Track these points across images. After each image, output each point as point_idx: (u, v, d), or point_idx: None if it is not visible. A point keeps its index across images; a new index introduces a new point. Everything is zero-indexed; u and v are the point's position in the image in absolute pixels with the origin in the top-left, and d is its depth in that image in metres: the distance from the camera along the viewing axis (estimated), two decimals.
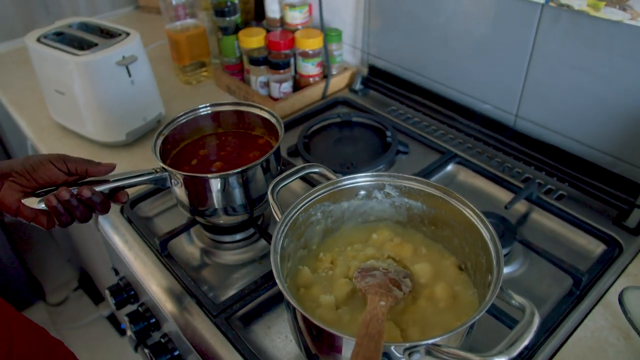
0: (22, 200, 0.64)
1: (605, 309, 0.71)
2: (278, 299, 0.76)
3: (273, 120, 0.83)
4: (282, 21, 1.23)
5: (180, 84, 1.32)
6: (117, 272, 1.01)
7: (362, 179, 0.69)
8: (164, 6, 1.24)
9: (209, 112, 0.86)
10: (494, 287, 0.52)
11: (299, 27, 1.21)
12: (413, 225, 0.72)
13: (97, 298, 2.01)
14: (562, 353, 0.67)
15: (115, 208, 0.91)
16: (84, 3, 1.64)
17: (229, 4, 1.19)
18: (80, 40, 1.04)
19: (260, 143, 0.87)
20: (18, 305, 1.95)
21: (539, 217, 0.87)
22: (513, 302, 0.53)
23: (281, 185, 0.68)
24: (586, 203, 0.88)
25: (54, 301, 2.03)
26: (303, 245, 0.69)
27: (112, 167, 0.69)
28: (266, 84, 1.19)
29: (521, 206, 0.89)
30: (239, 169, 0.73)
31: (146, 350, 0.83)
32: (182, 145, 0.86)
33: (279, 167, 0.82)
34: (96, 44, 1.00)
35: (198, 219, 0.81)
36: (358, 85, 1.23)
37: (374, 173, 0.69)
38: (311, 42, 1.15)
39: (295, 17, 1.20)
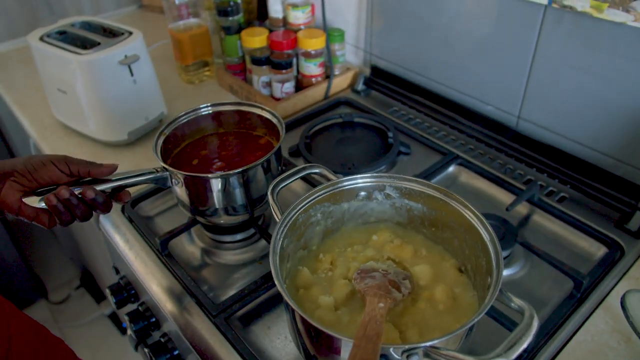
0: (23, 199, 0.64)
1: (606, 312, 0.71)
2: (278, 299, 0.76)
3: (274, 120, 0.83)
4: (284, 21, 1.23)
5: (182, 83, 1.32)
6: (117, 271, 1.01)
7: (362, 180, 0.68)
8: (167, 5, 1.24)
9: (210, 112, 0.86)
10: (493, 290, 0.52)
11: (302, 27, 1.21)
12: (413, 226, 0.71)
13: (99, 296, 2.01)
14: (562, 356, 0.66)
15: (116, 207, 0.91)
16: (88, 2, 1.65)
17: (231, 3, 1.19)
18: (83, 39, 1.04)
19: (261, 143, 0.87)
20: (20, 303, 1.97)
21: (541, 219, 0.87)
22: (512, 304, 0.53)
23: (281, 186, 0.68)
24: (588, 205, 0.88)
25: (56, 299, 2.04)
26: (303, 246, 0.68)
27: (114, 168, 0.69)
28: (268, 84, 1.19)
29: (523, 208, 0.89)
30: (240, 169, 0.73)
31: (146, 350, 0.83)
32: (183, 145, 0.86)
33: (279, 168, 0.81)
34: (99, 43, 1.00)
35: (199, 218, 0.81)
36: (360, 86, 1.23)
37: (375, 174, 0.69)
38: (313, 42, 1.15)
39: (298, 17, 1.20)
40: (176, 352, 0.84)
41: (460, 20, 1.01)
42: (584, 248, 0.82)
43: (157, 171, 0.75)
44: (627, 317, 0.64)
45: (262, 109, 0.85)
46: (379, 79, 1.23)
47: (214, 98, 1.24)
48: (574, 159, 0.92)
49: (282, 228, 0.61)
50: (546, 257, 0.76)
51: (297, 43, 1.17)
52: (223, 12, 1.19)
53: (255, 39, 1.17)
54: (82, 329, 1.94)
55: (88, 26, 1.10)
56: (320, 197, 0.67)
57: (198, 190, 0.76)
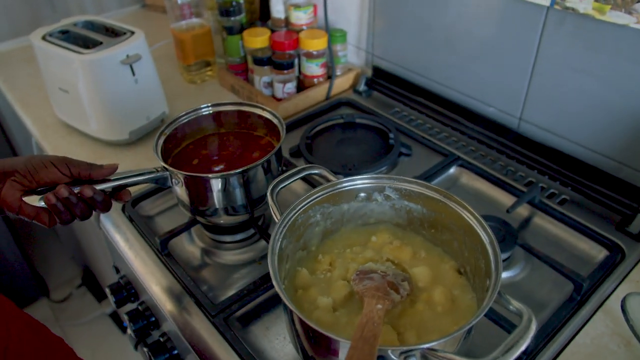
0: (23, 198, 0.64)
1: (606, 315, 0.71)
2: (277, 300, 0.76)
3: (275, 120, 0.83)
4: (286, 21, 1.23)
5: (184, 83, 1.32)
6: (118, 271, 1.01)
7: (361, 181, 0.68)
8: (170, 5, 1.24)
9: (211, 112, 0.86)
10: (492, 292, 0.52)
11: (304, 27, 1.21)
12: (413, 228, 0.71)
13: (100, 295, 2.01)
14: (561, 359, 0.66)
15: (116, 206, 0.91)
16: (91, 1, 1.65)
17: (234, 3, 1.19)
18: (85, 38, 1.04)
19: (262, 143, 0.87)
20: (22, 302, 1.97)
21: (541, 221, 0.87)
22: (511, 307, 0.52)
23: (281, 186, 0.68)
24: (589, 208, 0.88)
25: (58, 298, 2.04)
26: (302, 247, 0.68)
27: (114, 168, 0.70)
28: (270, 84, 1.19)
29: (523, 210, 0.89)
30: (240, 169, 0.73)
31: (145, 349, 0.83)
32: (184, 145, 0.86)
33: (280, 168, 0.81)
34: (101, 43, 1.01)
35: (198, 218, 0.82)
36: (362, 87, 1.23)
37: (374, 175, 0.69)
38: (315, 43, 1.15)
39: (300, 18, 1.20)
40: (175, 352, 0.84)
41: (462, 22, 1.01)
42: (585, 250, 0.82)
43: (157, 171, 0.75)
44: (627, 320, 0.63)
45: (263, 109, 0.85)
46: (381, 79, 1.23)
47: (216, 98, 1.25)
48: (576, 161, 0.92)
49: (281, 229, 0.61)
50: (546, 259, 0.76)
51: (299, 43, 1.17)
52: (225, 12, 1.19)
53: (257, 39, 1.17)
54: (83, 327, 1.95)
55: (90, 25, 1.10)
56: (319, 198, 0.67)
57: (198, 190, 0.76)
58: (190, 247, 0.86)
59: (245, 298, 0.74)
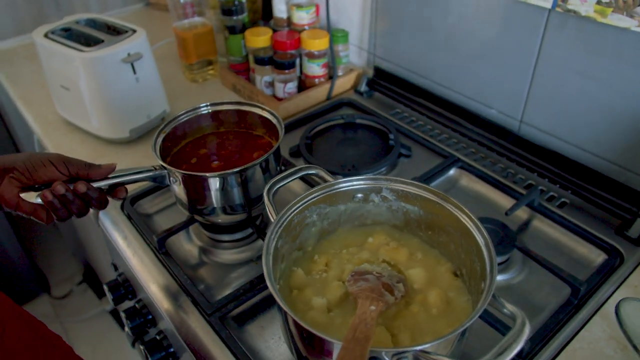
0: (21, 195, 0.65)
1: (603, 320, 0.70)
2: (273, 299, 0.74)
3: (274, 120, 0.83)
4: (289, 21, 1.23)
5: (186, 81, 1.32)
6: (116, 268, 1.01)
7: (358, 182, 0.68)
8: (172, 4, 1.24)
9: (210, 111, 0.86)
10: (486, 295, 0.52)
11: (306, 27, 1.21)
12: (410, 229, 0.71)
13: (100, 292, 2.02)
14: None
15: (115, 204, 0.91)
16: None
17: (236, 3, 1.20)
18: (87, 36, 1.05)
19: (261, 143, 0.87)
20: (23, 298, 1.98)
21: (541, 224, 0.87)
22: (505, 310, 0.52)
23: (277, 186, 0.68)
24: (588, 211, 0.87)
25: (58, 294, 2.05)
26: (298, 247, 0.68)
27: (112, 168, 0.70)
28: (271, 84, 1.19)
29: (523, 213, 0.88)
30: (238, 169, 0.73)
31: (141, 347, 0.83)
32: (183, 144, 0.87)
33: (278, 168, 0.81)
34: (102, 41, 1.01)
35: (196, 217, 0.82)
36: (363, 87, 1.23)
37: (371, 176, 0.69)
38: (317, 43, 1.15)
39: (302, 18, 1.20)
40: (171, 350, 0.84)
41: (463, 23, 1.01)
42: (583, 254, 0.82)
43: (156, 169, 0.75)
44: (620, 325, 0.63)
45: (262, 108, 0.85)
46: (382, 80, 1.23)
47: (217, 97, 1.25)
48: (576, 164, 0.91)
49: (276, 229, 0.61)
50: (544, 262, 0.76)
51: (301, 43, 1.17)
52: (227, 12, 1.19)
53: (259, 39, 1.17)
54: (84, 324, 1.96)
55: (93, 23, 1.10)
56: (316, 199, 0.67)
57: (196, 189, 0.76)
58: (188, 245, 0.87)
59: (241, 297, 0.74)
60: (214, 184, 0.74)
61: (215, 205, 0.77)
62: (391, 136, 1.04)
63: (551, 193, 0.91)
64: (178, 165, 0.81)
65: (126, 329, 0.89)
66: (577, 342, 0.68)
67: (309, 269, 0.67)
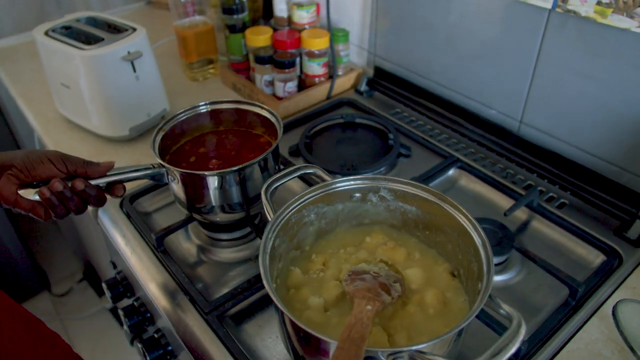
0: (19, 192, 0.65)
1: (600, 321, 0.70)
2: (270, 298, 0.75)
3: (273, 119, 0.83)
4: (289, 20, 1.23)
5: (186, 80, 1.32)
6: (115, 266, 1.02)
7: (356, 182, 0.68)
8: (173, 2, 1.24)
9: (209, 109, 0.86)
10: (482, 295, 0.52)
11: (306, 26, 1.21)
12: (407, 229, 0.71)
13: (100, 290, 2.02)
14: None
15: (114, 202, 0.92)
16: None
17: (237, 1, 1.19)
18: (87, 34, 1.05)
19: (260, 142, 0.87)
20: (23, 295, 1.98)
21: (539, 225, 0.86)
22: (501, 311, 0.52)
23: (275, 185, 0.68)
24: (588, 212, 0.87)
25: (59, 292, 2.06)
26: (296, 246, 0.68)
27: (110, 166, 0.70)
28: (271, 83, 1.19)
29: (522, 213, 0.88)
30: (236, 167, 0.73)
31: (139, 345, 0.83)
32: (182, 142, 0.87)
33: (277, 167, 0.81)
34: (102, 39, 1.01)
35: (195, 216, 0.82)
36: (363, 87, 1.22)
37: (369, 176, 0.69)
38: (317, 42, 1.15)
39: (303, 17, 1.20)
40: (169, 348, 0.84)
41: (464, 23, 1.00)
42: (582, 255, 0.81)
43: (154, 167, 0.75)
44: (617, 326, 0.63)
45: (262, 107, 0.85)
46: (382, 80, 1.23)
47: (217, 96, 1.25)
48: (576, 165, 0.91)
49: (273, 228, 0.61)
50: (542, 263, 0.75)
51: (301, 42, 1.17)
52: (228, 10, 1.19)
53: (259, 38, 1.17)
54: (84, 321, 1.96)
55: (93, 22, 1.10)
56: (313, 198, 0.66)
57: (194, 188, 0.76)
58: (186, 244, 0.87)
59: (239, 296, 0.74)
60: (213, 182, 0.74)
61: (213, 204, 0.77)
62: (391, 136, 1.03)
63: (550, 194, 0.91)
64: (177, 164, 0.81)
65: (124, 327, 0.89)
66: (574, 344, 0.68)
67: (306, 268, 0.67)
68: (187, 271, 0.81)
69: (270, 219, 0.63)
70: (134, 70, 1.02)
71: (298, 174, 0.70)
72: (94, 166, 0.68)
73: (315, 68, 1.18)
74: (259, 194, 0.78)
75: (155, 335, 0.85)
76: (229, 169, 0.73)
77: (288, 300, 0.62)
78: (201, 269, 0.82)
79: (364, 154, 1.03)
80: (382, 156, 1.00)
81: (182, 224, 0.84)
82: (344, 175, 0.80)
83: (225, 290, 0.76)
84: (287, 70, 1.14)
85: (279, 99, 1.17)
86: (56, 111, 1.18)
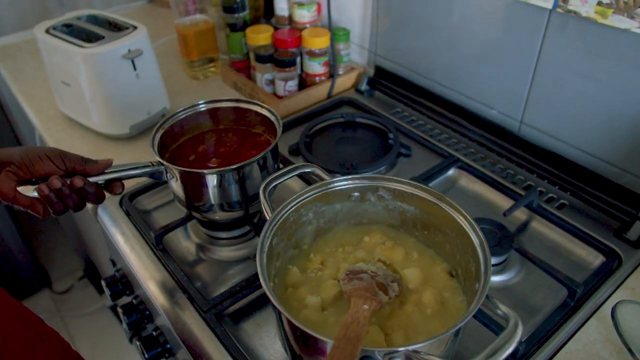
0: (18, 188, 0.65)
1: (599, 322, 0.70)
2: (269, 297, 0.75)
3: (272, 118, 0.83)
4: (290, 19, 1.23)
5: (187, 79, 1.32)
6: (114, 264, 1.02)
7: (354, 181, 0.68)
8: (174, 1, 1.24)
9: (209, 108, 0.86)
10: (480, 295, 0.51)
11: (307, 25, 1.21)
12: (406, 229, 0.71)
13: (101, 288, 2.02)
14: None
15: (114, 200, 0.92)
16: None
17: (238, 0, 1.19)
18: (88, 32, 1.05)
19: (259, 141, 0.87)
20: (24, 292, 1.99)
21: (539, 225, 0.86)
22: (498, 311, 0.52)
23: (273, 184, 0.68)
24: (587, 213, 0.87)
25: (60, 289, 2.06)
26: (294, 245, 0.68)
27: (108, 163, 0.70)
28: (272, 82, 1.19)
29: (521, 214, 0.88)
30: (235, 166, 0.73)
31: (138, 343, 0.83)
32: (181, 140, 0.87)
33: (276, 166, 0.81)
34: (103, 37, 1.01)
35: (194, 214, 0.82)
36: (364, 86, 1.22)
37: (367, 175, 0.68)
38: (318, 41, 1.15)
39: (304, 16, 1.20)
40: (168, 346, 0.84)
41: (465, 23, 1.00)
42: (582, 256, 0.81)
43: (153, 165, 0.75)
44: (616, 327, 0.63)
45: (261, 106, 0.85)
46: (383, 79, 1.23)
47: (218, 94, 1.24)
48: (576, 166, 0.91)
49: (271, 227, 0.61)
50: (541, 264, 0.75)
51: (302, 41, 1.17)
52: (229, 9, 1.19)
53: (260, 37, 1.17)
54: (84, 319, 1.96)
55: (94, 20, 1.10)
56: (311, 197, 0.67)
57: (193, 186, 0.76)
58: (185, 242, 0.87)
59: (238, 295, 0.74)
60: (212, 180, 0.74)
61: (212, 202, 0.77)
62: (391, 135, 1.03)
63: (550, 194, 0.91)
64: (176, 162, 0.81)
65: (123, 324, 0.90)
66: (572, 344, 0.68)
67: (304, 267, 0.67)
68: (186, 269, 0.81)
69: (268, 217, 0.63)
70: (135, 69, 1.02)
71: (296, 172, 0.70)
72: (92, 163, 0.68)
73: (316, 67, 1.18)
74: (258, 193, 0.78)
75: (154, 333, 0.85)
76: (227, 168, 0.73)
77: (286, 299, 0.62)
78: (200, 268, 0.82)
79: (363, 153, 1.03)
80: (382, 156, 1.00)
81: (181, 222, 0.84)
82: (343, 174, 0.80)
83: (223, 289, 0.76)
84: (287, 69, 1.14)
85: (280, 97, 1.17)
86: (57, 109, 1.18)
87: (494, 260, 0.78)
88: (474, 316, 0.67)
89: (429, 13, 1.07)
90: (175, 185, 0.77)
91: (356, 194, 0.69)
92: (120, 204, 0.91)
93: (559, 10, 0.83)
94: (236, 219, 0.82)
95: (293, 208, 0.65)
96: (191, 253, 0.85)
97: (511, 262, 0.80)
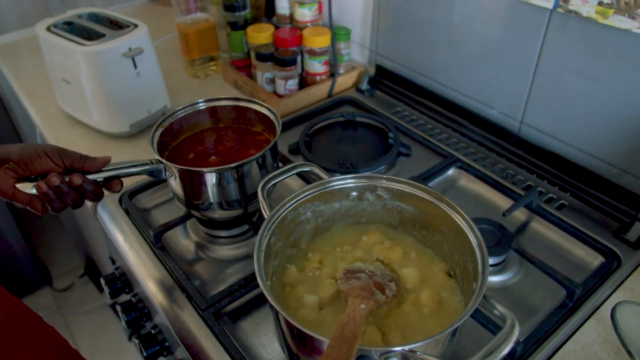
0: (17, 185, 0.65)
1: (598, 323, 0.70)
2: None
3: (271, 116, 0.83)
4: (291, 18, 1.23)
5: (188, 77, 1.32)
6: (113, 262, 1.02)
7: (353, 181, 0.68)
8: None
9: (209, 106, 0.86)
10: (477, 295, 0.51)
11: (308, 24, 1.21)
12: (404, 228, 0.71)
13: (101, 286, 2.03)
14: None
15: (114, 198, 0.92)
16: None
17: None
18: (89, 30, 1.05)
19: (259, 139, 0.87)
20: (25, 290, 1.99)
21: (538, 226, 0.86)
22: (495, 311, 0.52)
23: (272, 183, 0.68)
24: (587, 214, 0.87)
25: (60, 287, 2.06)
26: (292, 244, 0.68)
27: (107, 160, 0.70)
28: (272, 81, 1.19)
29: (521, 214, 0.88)
30: (234, 164, 0.73)
31: (136, 341, 0.83)
32: (181, 139, 0.87)
33: (275, 164, 0.81)
34: (103, 35, 1.01)
35: (193, 212, 0.82)
36: (365, 85, 1.22)
37: (366, 175, 0.68)
38: (319, 40, 1.14)
39: (305, 15, 1.20)
40: (166, 344, 0.84)
41: (466, 23, 1.00)
42: (581, 257, 0.81)
43: (152, 163, 0.75)
44: (615, 328, 0.62)
45: (260, 105, 0.85)
46: (384, 79, 1.23)
47: (218, 93, 1.25)
48: (576, 166, 0.91)
49: (269, 225, 0.61)
50: (540, 264, 0.75)
51: (303, 40, 1.17)
52: (230, 8, 1.19)
53: (261, 35, 1.17)
54: (85, 316, 1.97)
55: (95, 18, 1.11)
56: (310, 196, 0.66)
57: (192, 184, 0.76)
58: (185, 241, 0.87)
59: (236, 293, 0.74)
60: (210, 179, 0.74)
61: (211, 201, 0.77)
62: (391, 135, 1.03)
63: (550, 195, 0.91)
64: (176, 160, 0.81)
65: (122, 322, 0.90)
66: (571, 345, 0.68)
67: (302, 266, 0.67)
68: (185, 268, 0.81)
69: (266, 216, 0.63)
70: (135, 67, 1.02)
71: (295, 171, 0.70)
72: (90, 160, 0.68)
73: (317, 66, 1.18)
74: (257, 191, 0.79)
75: (152, 331, 0.85)
76: (226, 166, 0.73)
77: (283, 298, 0.62)
78: (199, 266, 0.82)
79: (363, 152, 1.03)
80: (382, 155, 1.00)
81: (180, 221, 0.84)
82: (343, 173, 0.80)
83: (222, 287, 0.76)
84: (288, 68, 1.14)
85: (280, 96, 1.17)
86: (58, 107, 1.18)
87: (493, 261, 0.77)
88: (472, 316, 0.67)
89: (429, 12, 1.06)
90: (174, 184, 0.78)
91: (355, 193, 0.69)
92: (120, 202, 0.91)
93: (559, 10, 0.82)
94: (235, 217, 0.83)
95: (291, 207, 0.65)
96: (190, 251, 0.85)
97: (510, 262, 0.80)
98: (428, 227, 0.68)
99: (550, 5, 0.83)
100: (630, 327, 0.64)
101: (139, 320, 0.89)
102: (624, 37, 0.77)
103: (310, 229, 0.70)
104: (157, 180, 0.92)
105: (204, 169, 0.73)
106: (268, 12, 1.36)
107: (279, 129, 0.79)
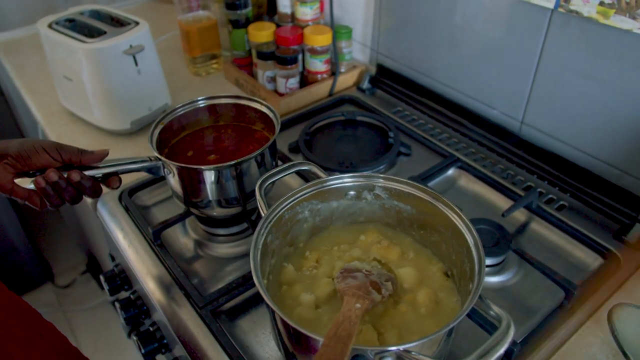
0: (15, 180, 0.65)
1: (596, 325, 0.70)
2: None
3: (271, 115, 0.83)
4: (293, 16, 1.23)
5: (189, 75, 1.33)
6: (113, 259, 1.02)
7: (351, 180, 0.68)
8: None
9: (208, 104, 0.86)
10: (472, 296, 0.51)
11: (310, 23, 1.21)
12: (402, 228, 0.71)
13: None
14: None
15: (113, 195, 0.92)
16: None
17: None
18: (90, 27, 1.05)
19: (258, 137, 0.87)
20: (27, 286, 2.00)
21: (538, 226, 0.86)
22: (491, 312, 0.52)
23: (270, 181, 0.68)
24: (587, 215, 0.86)
25: (62, 283, 2.07)
26: (289, 243, 0.68)
27: (105, 154, 0.70)
28: (273, 79, 1.19)
29: (520, 215, 0.88)
30: (232, 162, 0.73)
31: (135, 338, 0.83)
32: (181, 136, 0.87)
33: (274, 163, 0.81)
34: (105, 32, 1.01)
35: (192, 210, 0.82)
36: (366, 84, 1.22)
37: (364, 174, 0.68)
38: (320, 39, 1.14)
39: (306, 13, 1.20)
40: (165, 342, 0.84)
41: (467, 22, 1.00)
42: (580, 258, 0.81)
43: (151, 160, 0.75)
44: (612, 330, 0.62)
45: (260, 103, 0.85)
46: (385, 78, 1.22)
47: (219, 91, 1.25)
48: (576, 167, 0.90)
49: (266, 224, 0.61)
50: (539, 265, 0.75)
51: (304, 39, 1.17)
52: (231, 6, 1.19)
53: (262, 34, 1.17)
54: (86, 313, 1.97)
55: (97, 15, 1.11)
56: (307, 195, 0.66)
57: (191, 182, 0.76)
58: (183, 238, 0.87)
59: (234, 291, 0.74)
60: (209, 176, 0.74)
61: (210, 198, 0.77)
62: (391, 134, 1.03)
63: (550, 195, 0.90)
64: (175, 158, 0.81)
65: (121, 319, 0.90)
66: (568, 347, 0.67)
67: (299, 265, 0.67)
68: (183, 265, 0.81)
69: (263, 214, 0.63)
70: (136, 64, 1.02)
71: (293, 170, 0.70)
72: (88, 154, 0.68)
73: (318, 65, 1.18)
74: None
75: (151, 329, 0.85)
76: (225, 164, 0.73)
77: (280, 296, 0.62)
78: (197, 264, 0.83)
79: (363, 151, 1.03)
80: (382, 154, 0.99)
81: (179, 218, 0.85)
82: (342, 172, 0.80)
83: (220, 285, 0.76)
84: (289, 66, 1.14)
85: (281, 95, 1.16)
86: (59, 104, 1.18)
87: (491, 261, 0.77)
88: (469, 316, 0.67)
89: (431, 12, 1.06)
90: (173, 181, 0.78)
91: (352, 192, 0.69)
92: (120, 199, 0.92)
93: (560, 10, 0.82)
94: (234, 215, 0.83)
95: (288, 205, 0.65)
96: (189, 249, 0.85)
97: (509, 263, 0.79)
98: (426, 227, 0.68)
99: (551, 5, 0.83)
100: (628, 329, 0.64)
101: (138, 317, 0.89)
102: (625, 38, 0.76)
103: (307, 228, 0.70)
104: (156, 177, 0.92)
105: (202, 167, 0.73)
106: (269, 10, 1.36)
107: (277, 127, 0.79)
